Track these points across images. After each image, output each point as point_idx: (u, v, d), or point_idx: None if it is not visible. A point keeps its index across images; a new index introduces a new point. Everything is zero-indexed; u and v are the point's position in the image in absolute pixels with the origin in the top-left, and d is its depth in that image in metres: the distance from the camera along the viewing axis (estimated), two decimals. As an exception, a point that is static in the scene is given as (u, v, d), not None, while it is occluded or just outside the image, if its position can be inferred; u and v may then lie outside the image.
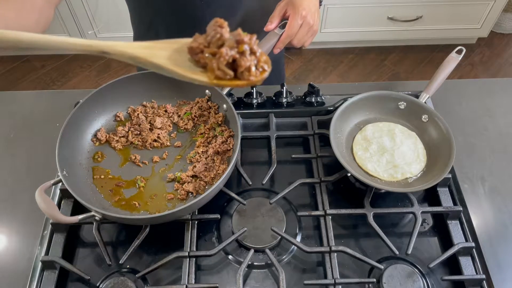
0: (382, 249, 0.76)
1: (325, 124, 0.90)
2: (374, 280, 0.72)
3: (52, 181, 0.72)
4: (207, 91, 0.88)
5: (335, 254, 0.74)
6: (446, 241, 0.78)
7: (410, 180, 0.82)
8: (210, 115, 0.89)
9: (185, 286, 0.70)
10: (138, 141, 0.86)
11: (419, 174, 0.83)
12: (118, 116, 0.90)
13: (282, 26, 0.87)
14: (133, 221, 0.74)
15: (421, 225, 0.79)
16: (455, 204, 0.81)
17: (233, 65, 0.50)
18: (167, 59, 0.52)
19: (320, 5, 0.89)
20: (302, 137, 0.94)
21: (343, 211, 0.79)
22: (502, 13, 2.53)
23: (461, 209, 0.79)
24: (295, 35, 0.84)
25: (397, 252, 0.74)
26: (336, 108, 0.88)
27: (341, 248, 0.73)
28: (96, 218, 0.70)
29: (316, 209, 0.81)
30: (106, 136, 0.87)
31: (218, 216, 0.78)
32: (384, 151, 0.85)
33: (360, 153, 0.86)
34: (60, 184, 0.78)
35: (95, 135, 0.87)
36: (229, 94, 0.89)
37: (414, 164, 0.83)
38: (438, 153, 0.83)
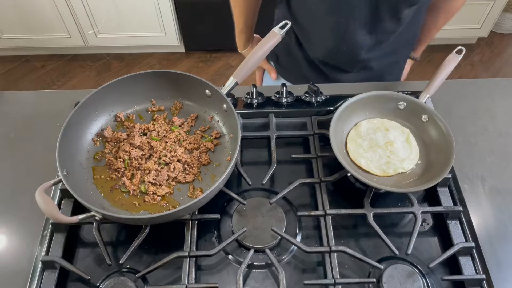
0: (382, 249, 0.76)
1: (325, 124, 0.90)
2: (374, 280, 0.72)
3: (52, 181, 0.72)
4: (207, 91, 0.88)
5: (335, 254, 0.74)
6: (446, 241, 0.78)
7: (403, 174, 0.83)
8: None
9: (185, 286, 0.70)
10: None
11: (418, 173, 0.83)
12: (118, 117, 0.90)
13: (283, 26, 0.87)
14: (133, 221, 0.74)
15: (421, 225, 0.79)
16: (455, 204, 0.81)
17: None
18: None
19: None
20: (302, 137, 0.94)
21: (343, 211, 0.79)
22: (502, 13, 2.53)
23: (461, 209, 0.79)
24: None
25: (397, 252, 0.74)
26: (336, 108, 0.88)
27: (341, 248, 0.73)
28: (96, 218, 0.70)
29: (316, 209, 0.81)
30: (112, 133, 0.87)
31: (218, 216, 0.78)
32: (377, 147, 0.85)
33: (353, 148, 0.86)
34: (60, 184, 0.78)
35: (100, 134, 0.87)
36: (229, 94, 0.88)
37: (406, 160, 0.84)
38: (438, 153, 0.83)
